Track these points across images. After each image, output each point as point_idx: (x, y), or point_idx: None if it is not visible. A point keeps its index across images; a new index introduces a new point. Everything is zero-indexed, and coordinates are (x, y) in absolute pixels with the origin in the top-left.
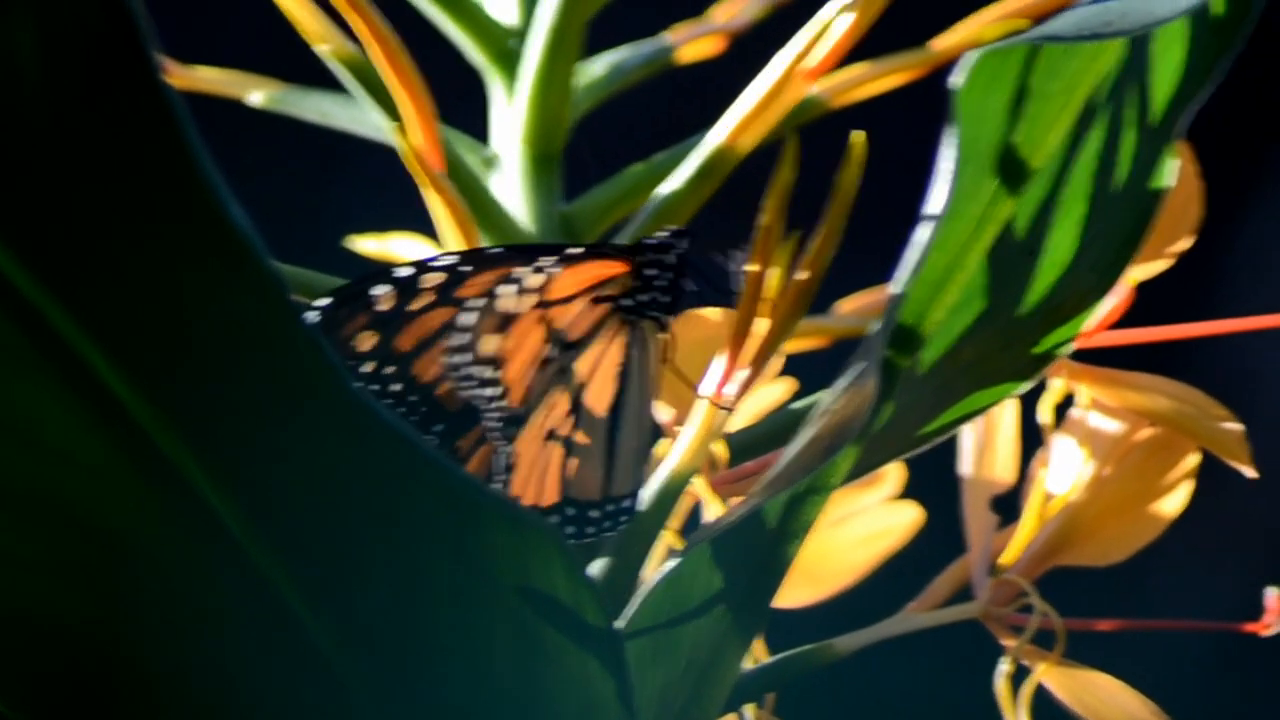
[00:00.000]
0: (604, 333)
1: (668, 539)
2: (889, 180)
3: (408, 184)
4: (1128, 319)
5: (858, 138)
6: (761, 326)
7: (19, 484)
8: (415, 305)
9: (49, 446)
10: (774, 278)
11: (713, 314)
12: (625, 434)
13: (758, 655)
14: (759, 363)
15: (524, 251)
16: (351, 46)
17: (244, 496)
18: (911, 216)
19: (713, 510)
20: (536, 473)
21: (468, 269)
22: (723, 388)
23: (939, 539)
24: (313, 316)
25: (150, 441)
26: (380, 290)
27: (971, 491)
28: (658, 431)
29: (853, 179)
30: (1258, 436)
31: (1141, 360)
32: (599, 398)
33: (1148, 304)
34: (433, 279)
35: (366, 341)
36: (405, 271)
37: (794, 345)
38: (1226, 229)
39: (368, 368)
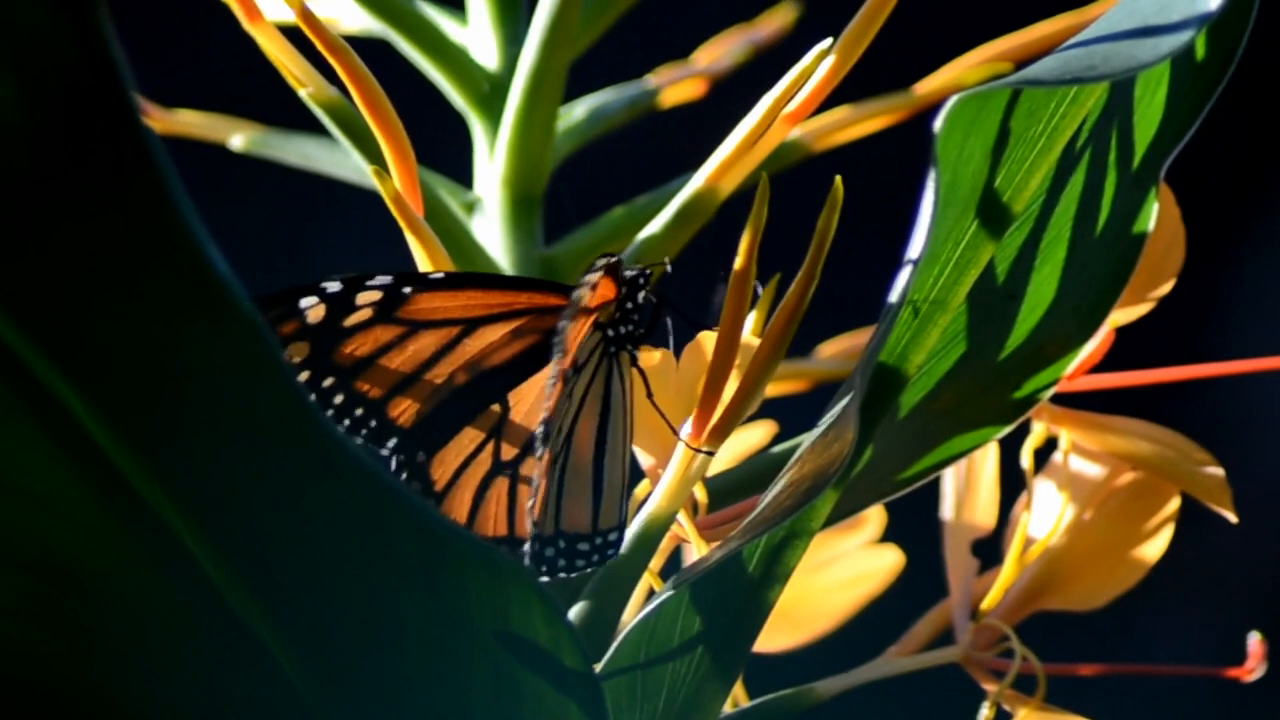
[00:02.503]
0: (592, 360)
1: (647, 581)
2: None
3: (390, 227)
4: (1115, 362)
5: (838, 182)
6: (739, 369)
7: None
8: (350, 321)
9: (26, 491)
10: (751, 320)
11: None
12: (610, 467)
13: (738, 699)
14: (739, 406)
15: (462, 279)
16: (333, 90)
17: (221, 539)
18: (893, 259)
19: (693, 553)
20: (538, 501)
21: (407, 290)
22: (701, 431)
23: (920, 583)
24: None
25: (127, 485)
26: (307, 302)
27: (953, 536)
28: (637, 468)
29: (832, 222)
30: (1240, 481)
31: (1125, 404)
32: (586, 427)
33: (1134, 347)
34: (368, 297)
35: (296, 352)
36: (333, 287)
37: (774, 388)
38: (1213, 273)
39: (300, 376)
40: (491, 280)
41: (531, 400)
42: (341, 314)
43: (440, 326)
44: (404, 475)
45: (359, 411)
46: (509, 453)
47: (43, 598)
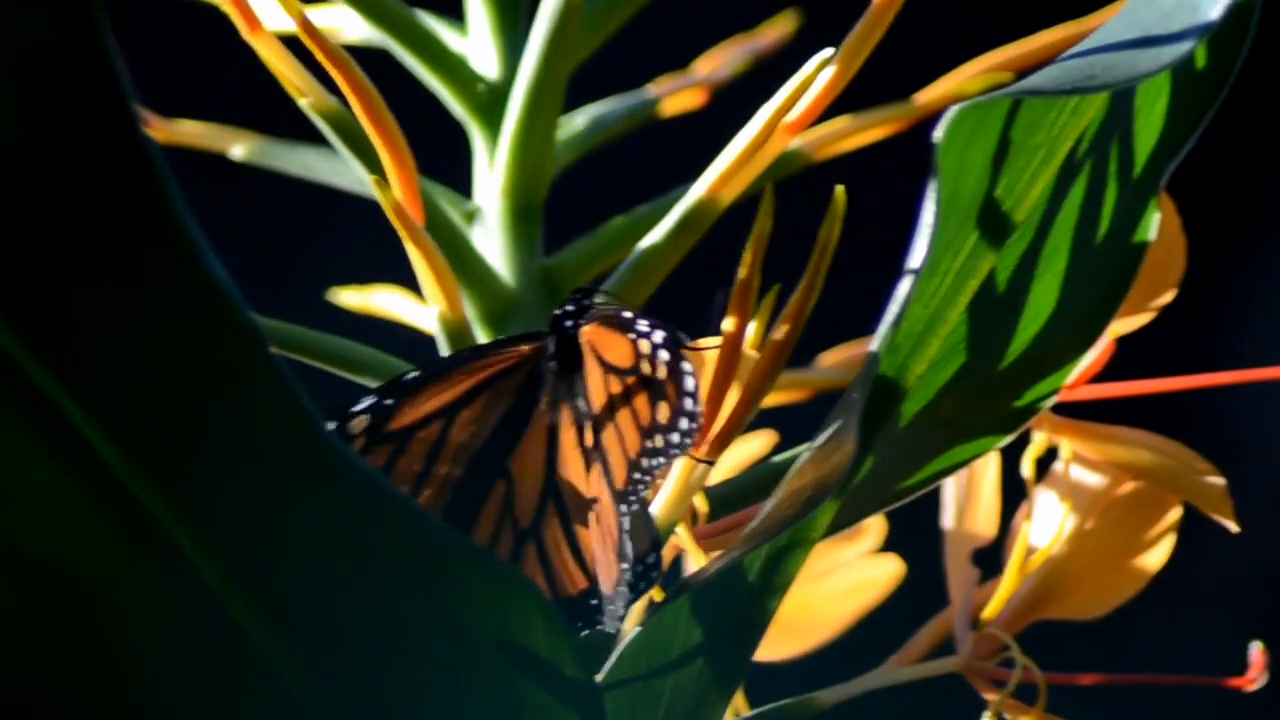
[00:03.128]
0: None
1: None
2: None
3: (390, 237)
4: (1116, 372)
5: (839, 192)
6: (740, 379)
7: None
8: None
9: (25, 500)
10: (754, 330)
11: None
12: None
13: (738, 708)
14: (739, 416)
15: (435, 370)
16: (333, 100)
17: (220, 548)
18: (893, 269)
19: (693, 563)
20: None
21: (389, 403)
22: (702, 441)
23: (920, 592)
24: None
25: (127, 493)
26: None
27: (953, 545)
28: None
29: (834, 232)
30: (1241, 490)
31: (1126, 414)
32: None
33: (1135, 357)
34: (359, 424)
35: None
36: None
37: (775, 398)
38: (1214, 283)
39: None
40: (459, 358)
41: (528, 459)
42: (388, 415)
43: (425, 426)
44: None
45: None
46: (525, 519)
47: (42, 607)
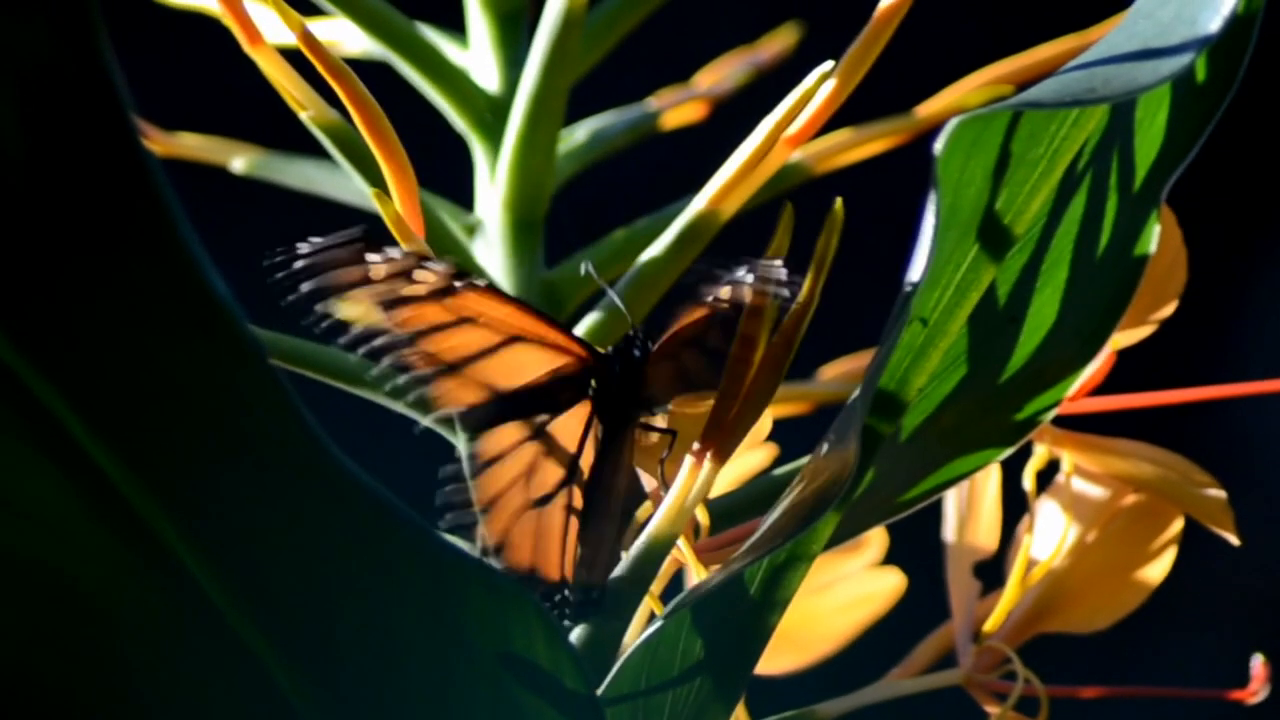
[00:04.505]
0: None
1: (648, 604)
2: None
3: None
4: (1117, 385)
5: (837, 205)
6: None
7: None
8: (407, 291)
9: (25, 511)
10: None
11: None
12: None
13: None
14: (739, 429)
15: (503, 293)
16: (334, 113)
17: (219, 560)
18: (894, 282)
19: (694, 576)
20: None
21: (457, 285)
22: (704, 454)
23: (922, 605)
24: (305, 249)
25: (126, 504)
26: (374, 259)
27: (955, 558)
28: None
29: (832, 245)
30: (1242, 503)
31: (1127, 426)
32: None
33: (1136, 370)
34: (425, 277)
35: (358, 301)
36: (395, 253)
37: (776, 411)
38: (1215, 296)
39: (359, 326)
40: (528, 305)
41: (564, 440)
42: (400, 281)
43: (483, 328)
44: (447, 488)
45: (403, 380)
46: (540, 490)
47: (41, 619)
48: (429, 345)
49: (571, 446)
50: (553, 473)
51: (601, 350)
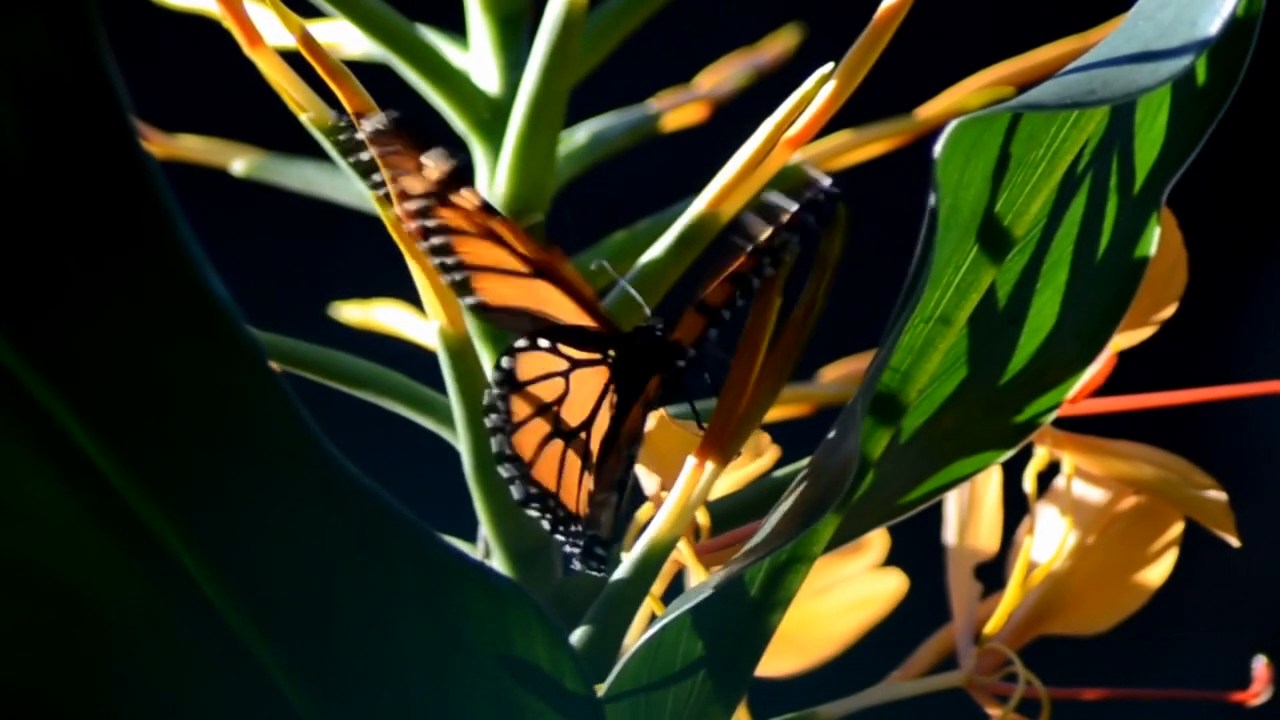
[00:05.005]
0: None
1: (649, 606)
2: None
3: (392, 252)
4: (1117, 386)
5: (842, 209)
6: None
7: None
8: (455, 198)
9: (25, 514)
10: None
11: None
12: (625, 486)
13: None
14: (743, 428)
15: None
16: (334, 115)
17: (221, 563)
18: (894, 284)
19: (695, 578)
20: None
21: (497, 214)
22: (706, 457)
23: (923, 607)
24: (374, 123)
25: (129, 510)
26: (430, 160)
27: (956, 560)
28: (639, 492)
29: (837, 249)
30: (1243, 505)
31: (1128, 428)
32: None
33: (1137, 371)
34: (471, 193)
35: (415, 186)
36: (447, 166)
37: (777, 413)
38: (1215, 297)
39: (413, 204)
40: (559, 255)
41: (585, 392)
42: (451, 189)
43: (518, 256)
44: (494, 391)
45: (450, 260)
46: (566, 424)
47: (41, 622)
48: (465, 245)
49: (590, 399)
50: (575, 413)
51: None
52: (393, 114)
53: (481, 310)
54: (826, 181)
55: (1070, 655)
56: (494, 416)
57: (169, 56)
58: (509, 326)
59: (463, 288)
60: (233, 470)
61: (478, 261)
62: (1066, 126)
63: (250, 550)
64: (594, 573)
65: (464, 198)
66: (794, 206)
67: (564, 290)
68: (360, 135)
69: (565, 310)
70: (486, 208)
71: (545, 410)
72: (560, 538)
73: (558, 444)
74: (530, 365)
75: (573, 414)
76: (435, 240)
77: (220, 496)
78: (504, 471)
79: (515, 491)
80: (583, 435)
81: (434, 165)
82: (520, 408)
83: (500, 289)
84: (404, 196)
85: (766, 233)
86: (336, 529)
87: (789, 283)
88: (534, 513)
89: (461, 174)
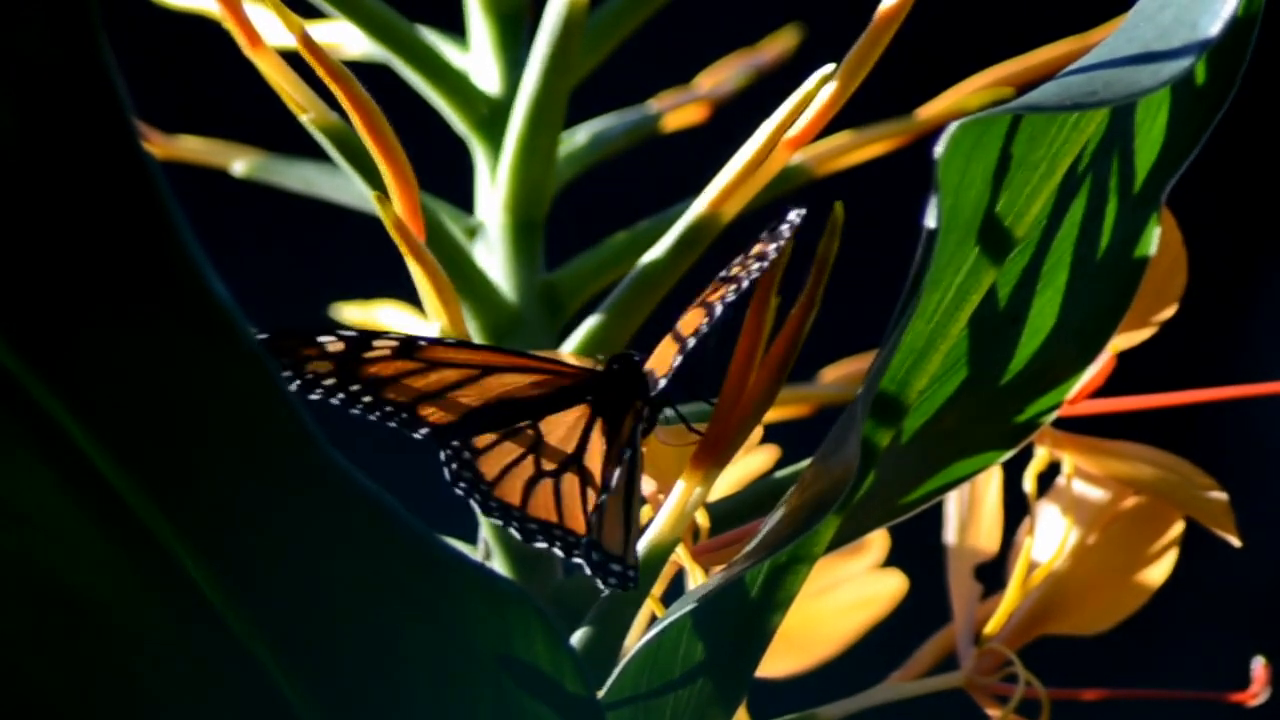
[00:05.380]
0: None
1: (649, 607)
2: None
3: (392, 253)
4: (1117, 387)
5: (838, 208)
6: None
7: None
8: (370, 355)
9: (27, 518)
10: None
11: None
12: (635, 505)
13: None
14: (742, 430)
15: (469, 344)
16: (334, 116)
17: (222, 565)
18: (895, 285)
19: (694, 579)
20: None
21: (421, 342)
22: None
23: (923, 608)
24: (274, 338)
25: (129, 512)
26: (326, 339)
27: (956, 560)
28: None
29: (833, 247)
30: (1243, 505)
31: (1128, 429)
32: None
33: (1137, 372)
34: (384, 343)
35: (320, 368)
36: (348, 333)
37: (777, 413)
38: (1215, 298)
39: (328, 382)
40: (498, 348)
41: (562, 433)
42: (360, 349)
43: (459, 367)
44: (452, 465)
45: (389, 409)
46: (549, 465)
47: (43, 626)
48: (407, 384)
49: (573, 433)
50: (558, 451)
51: (594, 364)
52: (276, 332)
53: (449, 430)
54: (796, 215)
55: (1070, 655)
56: (461, 485)
57: (169, 56)
58: (479, 430)
59: (414, 422)
60: (232, 471)
61: (428, 389)
62: (1067, 128)
63: (251, 552)
64: (625, 590)
65: (378, 349)
66: (763, 236)
67: (519, 370)
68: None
69: (524, 385)
70: (405, 344)
71: (515, 464)
72: (580, 561)
73: (547, 481)
74: (485, 438)
75: (554, 453)
76: (364, 400)
77: (220, 498)
78: (497, 521)
79: (515, 534)
80: (574, 465)
81: (332, 340)
82: (490, 467)
83: (458, 401)
84: (315, 384)
85: (736, 262)
86: (337, 530)
87: (784, 283)
88: (543, 545)
89: (367, 337)
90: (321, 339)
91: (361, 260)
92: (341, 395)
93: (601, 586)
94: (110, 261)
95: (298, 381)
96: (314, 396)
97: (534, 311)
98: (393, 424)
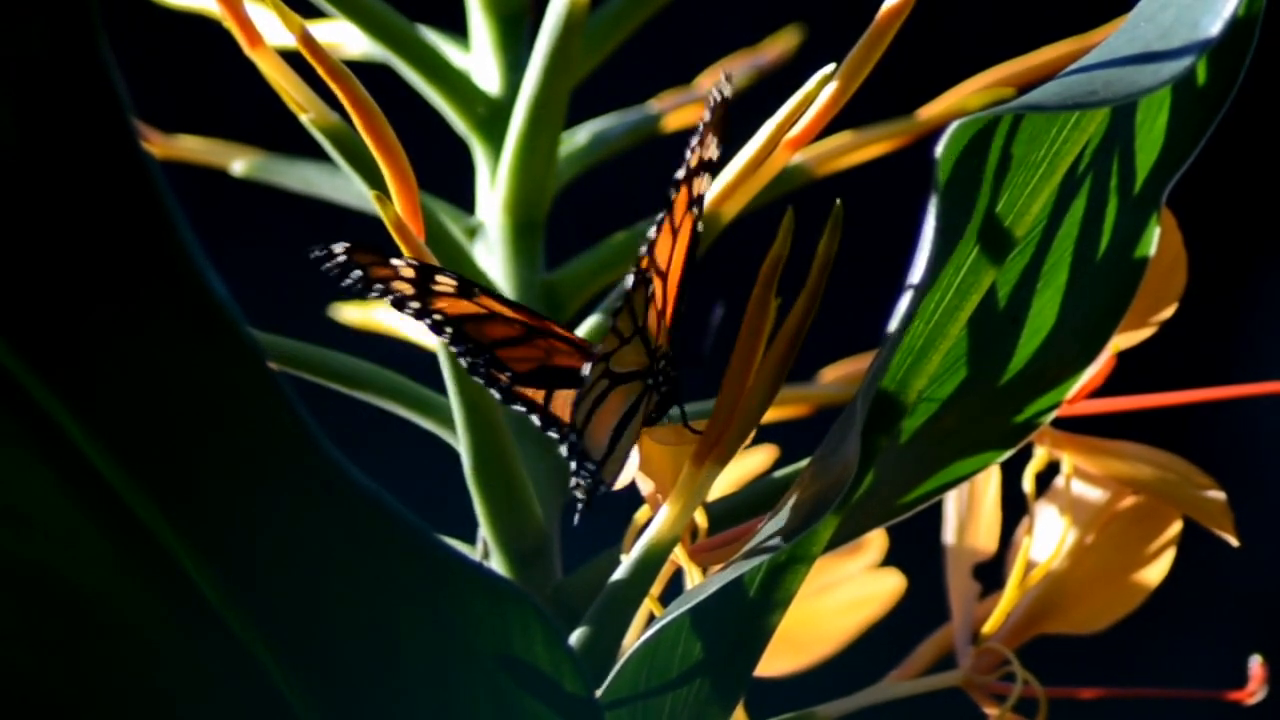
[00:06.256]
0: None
1: (648, 607)
2: (873, 248)
3: (392, 251)
4: (1116, 387)
5: (837, 206)
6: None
7: None
8: (437, 286)
9: (25, 516)
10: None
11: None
12: (626, 436)
13: None
14: (741, 430)
15: (514, 303)
16: (334, 115)
17: (222, 564)
18: (895, 284)
19: (691, 577)
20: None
21: (475, 290)
22: (708, 459)
23: (921, 607)
24: (339, 249)
25: (127, 510)
26: (399, 263)
27: (954, 560)
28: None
29: (833, 247)
30: (1241, 504)
31: (1127, 428)
32: (620, 398)
33: (1136, 372)
34: (447, 279)
35: (405, 288)
36: (415, 264)
37: (776, 413)
38: (1215, 298)
39: (414, 305)
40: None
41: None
42: (428, 279)
43: (507, 323)
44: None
45: (469, 345)
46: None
47: (42, 625)
48: (469, 326)
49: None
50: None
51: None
52: (355, 244)
53: (517, 384)
54: (725, 82)
55: (1068, 654)
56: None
57: (169, 56)
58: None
59: (495, 367)
60: (231, 471)
61: (490, 338)
62: (1067, 127)
63: (249, 550)
64: (588, 493)
65: (441, 283)
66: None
67: (558, 338)
68: (341, 258)
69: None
70: (464, 285)
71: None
72: (554, 435)
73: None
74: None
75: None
76: (448, 330)
77: (219, 497)
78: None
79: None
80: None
81: (403, 264)
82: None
83: (520, 358)
84: (402, 304)
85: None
86: (336, 529)
87: (785, 282)
88: (521, 410)
89: (430, 267)
90: (396, 261)
91: None
92: (427, 320)
93: (571, 478)
94: (110, 261)
95: (387, 296)
96: (405, 314)
97: None
98: (477, 367)
